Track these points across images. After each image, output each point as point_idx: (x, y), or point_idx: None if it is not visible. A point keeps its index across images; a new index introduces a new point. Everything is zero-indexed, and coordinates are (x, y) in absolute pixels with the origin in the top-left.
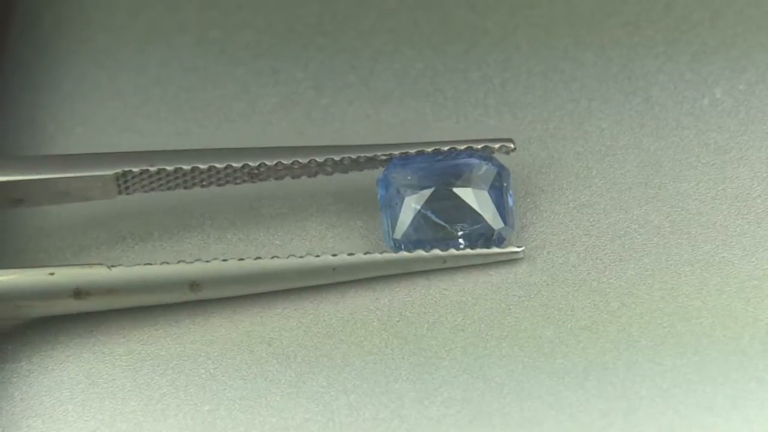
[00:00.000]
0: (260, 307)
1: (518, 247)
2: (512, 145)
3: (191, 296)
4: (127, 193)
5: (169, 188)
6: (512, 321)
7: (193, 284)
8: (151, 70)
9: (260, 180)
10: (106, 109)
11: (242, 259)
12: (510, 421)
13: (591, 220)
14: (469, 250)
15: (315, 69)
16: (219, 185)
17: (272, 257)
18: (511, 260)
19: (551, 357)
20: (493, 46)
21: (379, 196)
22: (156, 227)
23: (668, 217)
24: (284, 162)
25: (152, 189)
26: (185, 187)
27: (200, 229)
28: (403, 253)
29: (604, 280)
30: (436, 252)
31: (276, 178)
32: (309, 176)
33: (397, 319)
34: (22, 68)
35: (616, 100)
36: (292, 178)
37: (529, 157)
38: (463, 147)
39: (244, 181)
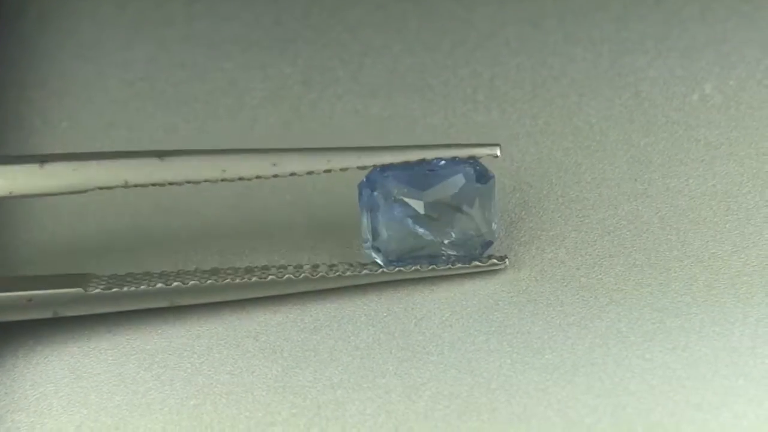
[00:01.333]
0: (246, 302)
1: (500, 260)
2: (497, 153)
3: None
4: None
5: None
6: (500, 316)
7: (173, 302)
8: (137, 65)
9: None
10: (93, 103)
11: (220, 280)
12: (498, 416)
13: (580, 215)
14: (450, 266)
15: (303, 64)
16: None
17: (251, 277)
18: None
19: (539, 352)
20: (482, 42)
21: (359, 201)
22: (141, 230)
23: (658, 212)
24: (264, 175)
25: None
26: None
27: (187, 232)
28: (383, 271)
29: (593, 275)
30: (417, 268)
31: None
32: None
33: (384, 314)
34: (8, 62)
35: (605, 96)
36: None
37: (518, 152)
38: (448, 155)
39: None
